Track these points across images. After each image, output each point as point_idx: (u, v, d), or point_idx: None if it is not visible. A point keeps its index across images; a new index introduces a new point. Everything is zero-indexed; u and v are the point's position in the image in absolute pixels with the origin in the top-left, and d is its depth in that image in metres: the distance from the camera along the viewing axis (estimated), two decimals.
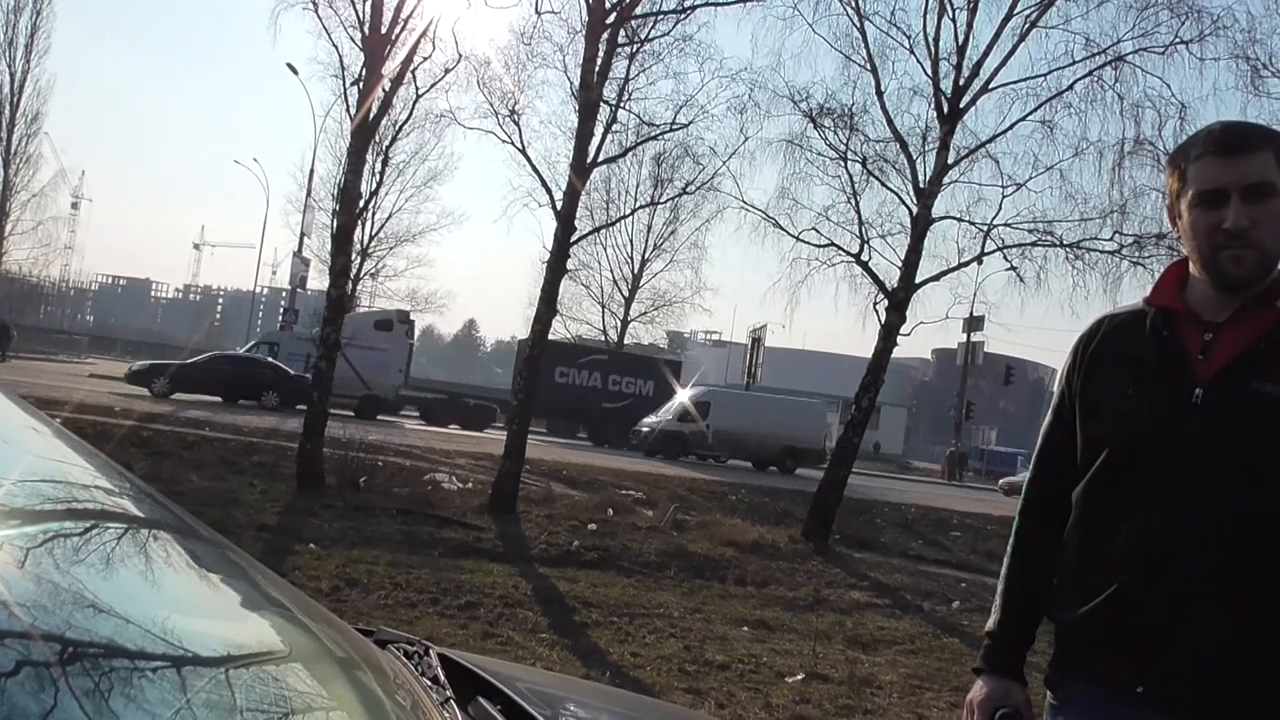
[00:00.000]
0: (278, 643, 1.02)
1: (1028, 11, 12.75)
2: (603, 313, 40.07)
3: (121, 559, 0.97)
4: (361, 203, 12.85)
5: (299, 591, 1.22)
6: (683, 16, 13.53)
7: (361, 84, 11.17)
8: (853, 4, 13.18)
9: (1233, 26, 13.09)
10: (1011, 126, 13.36)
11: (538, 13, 12.71)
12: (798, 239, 14.39)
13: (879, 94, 13.10)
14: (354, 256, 34.32)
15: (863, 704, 5.34)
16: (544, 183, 12.85)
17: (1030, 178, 13.59)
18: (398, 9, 11.00)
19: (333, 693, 0.94)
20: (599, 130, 12.34)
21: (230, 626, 1.03)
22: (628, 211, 31.24)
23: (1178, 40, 12.66)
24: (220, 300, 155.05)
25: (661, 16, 13.43)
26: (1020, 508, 1.81)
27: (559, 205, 11.97)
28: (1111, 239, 13.29)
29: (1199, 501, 1.51)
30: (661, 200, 30.59)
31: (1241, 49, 14.32)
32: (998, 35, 12.76)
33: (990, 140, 13.51)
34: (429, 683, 1.10)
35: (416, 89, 12.99)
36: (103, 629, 0.82)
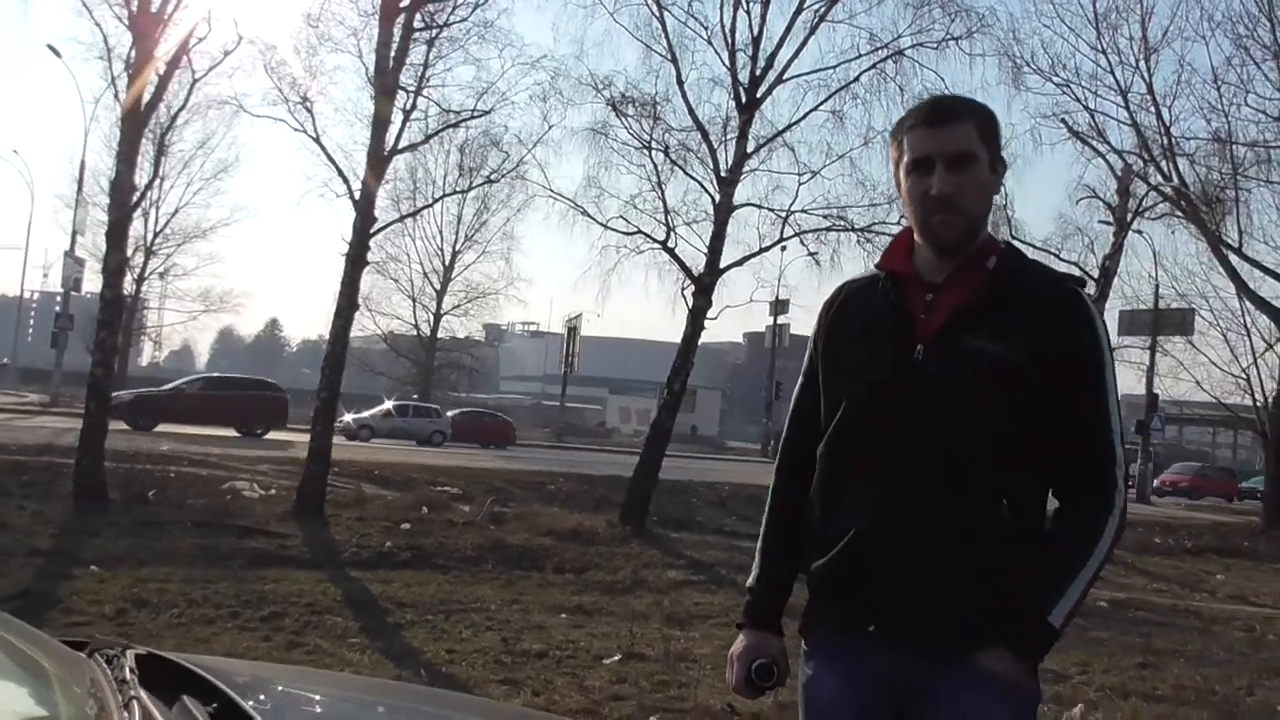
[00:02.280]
0: None
1: (816, 6, 13.34)
2: (414, 307, 39.13)
3: None
4: (137, 195, 11.93)
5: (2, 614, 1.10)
6: (481, 2, 13.33)
7: (131, 68, 10.36)
8: None
9: (996, 26, 14.23)
10: (805, 116, 13.95)
11: None
12: (606, 227, 14.52)
13: (680, 84, 13.37)
14: (136, 254, 32.34)
15: (678, 678, 5.43)
16: (340, 172, 12.40)
17: (824, 165, 14.25)
18: None
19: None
20: (398, 117, 11.99)
21: None
22: (433, 200, 30.52)
23: (949, 37, 13.64)
24: None
25: (460, 1, 13.17)
26: (775, 467, 1.90)
27: (357, 195, 11.56)
28: (898, 222, 14.09)
29: (918, 450, 1.63)
30: (468, 189, 30.08)
31: (1005, 47, 15.54)
32: (789, 28, 13.27)
33: (786, 129, 14.06)
34: (119, 685, 1.04)
35: (193, 73, 12.22)
36: None
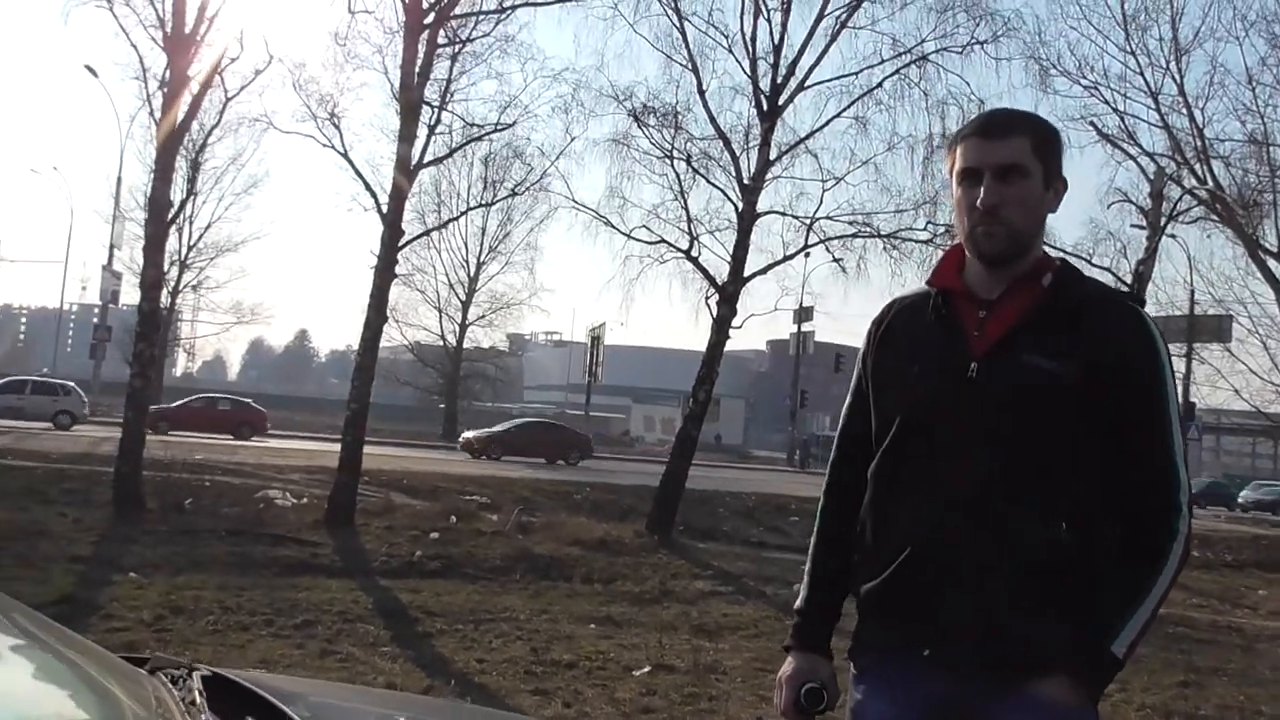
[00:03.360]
0: (29, 688, 0.96)
1: (838, 13, 13.34)
2: (440, 318, 39.37)
3: None
4: (173, 211, 12.15)
5: (62, 629, 1.15)
6: (503, 16, 13.46)
7: (166, 87, 10.56)
8: (672, 4, 13.45)
9: (1022, 29, 14.16)
10: (828, 123, 13.95)
11: (351, 12, 12.36)
12: (629, 237, 14.60)
13: (701, 93, 13.43)
14: (171, 268, 32.79)
15: (707, 690, 5.46)
16: (368, 186, 12.56)
17: (848, 172, 14.24)
18: (201, 8, 10.46)
19: None
20: (423, 132, 12.16)
21: None
22: (458, 213, 30.72)
23: (974, 41, 13.58)
24: (24, 319, 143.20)
25: (482, 17, 13.32)
26: (824, 487, 1.87)
27: (384, 209, 11.70)
28: (925, 228, 14.12)
29: (972, 470, 1.60)
30: (493, 201, 30.27)
31: (1031, 50, 15.47)
32: (811, 35, 13.29)
33: (809, 136, 14.06)
34: (187, 707, 1.07)
35: (226, 92, 12.44)
36: None
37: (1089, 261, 20.12)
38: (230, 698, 1.17)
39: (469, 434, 30.05)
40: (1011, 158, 1.64)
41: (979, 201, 1.64)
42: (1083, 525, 1.59)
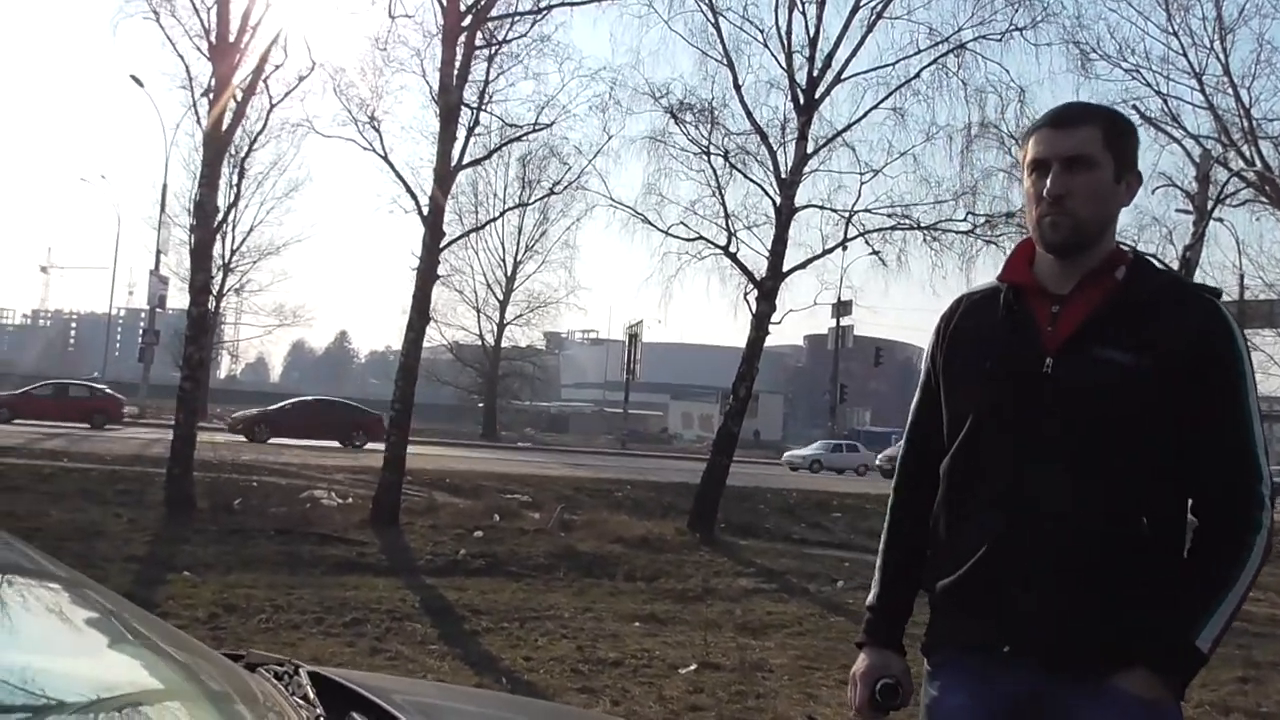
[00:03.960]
0: (144, 679, 1.00)
1: (874, 3, 13.19)
2: (478, 317, 39.69)
3: None
4: (219, 217, 12.36)
5: (164, 623, 1.19)
6: (539, 17, 13.49)
7: (211, 95, 10.75)
8: (706, 0, 13.41)
9: (1061, 13, 13.93)
10: (865, 115, 13.81)
11: (391, 16, 12.47)
12: (667, 234, 14.57)
13: (737, 88, 13.36)
14: (215, 272, 33.32)
15: (754, 689, 5.46)
16: (409, 189, 12.64)
17: (886, 164, 14.09)
18: (245, 17, 10.63)
19: None
20: (462, 133, 12.20)
21: (93, 667, 1.00)
22: (497, 214, 30.95)
23: (1013, 27, 13.37)
24: (74, 324, 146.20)
25: (518, 18, 13.36)
26: (894, 484, 1.88)
27: (425, 211, 11.80)
28: (965, 219, 13.94)
29: (1049, 465, 1.60)
30: (530, 201, 30.46)
31: (1071, 34, 15.23)
32: (846, 27, 13.16)
33: (846, 129, 13.91)
34: (300, 702, 1.10)
35: (270, 98, 12.59)
36: None
37: (1134, 249, 19.73)
38: (332, 694, 1.19)
39: (236, 414, 28.20)
40: (1079, 148, 1.63)
41: (1045, 191, 1.64)
42: (1163, 519, 1.59)
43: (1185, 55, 18.82)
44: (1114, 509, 1.57)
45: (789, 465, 35.98)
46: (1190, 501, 1.63)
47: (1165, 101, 19.29)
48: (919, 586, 1.80)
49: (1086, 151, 1.63)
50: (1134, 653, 1.54)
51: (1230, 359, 1.61)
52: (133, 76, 28.63)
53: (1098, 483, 1.57)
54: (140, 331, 36.01)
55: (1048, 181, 1.63)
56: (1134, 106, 19.14)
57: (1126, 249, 1.71)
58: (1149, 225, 21.24)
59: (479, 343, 40.33)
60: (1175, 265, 19.30)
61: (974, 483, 1.68)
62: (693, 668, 5.81)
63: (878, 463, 34.67)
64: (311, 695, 1.10)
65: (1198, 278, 20.60)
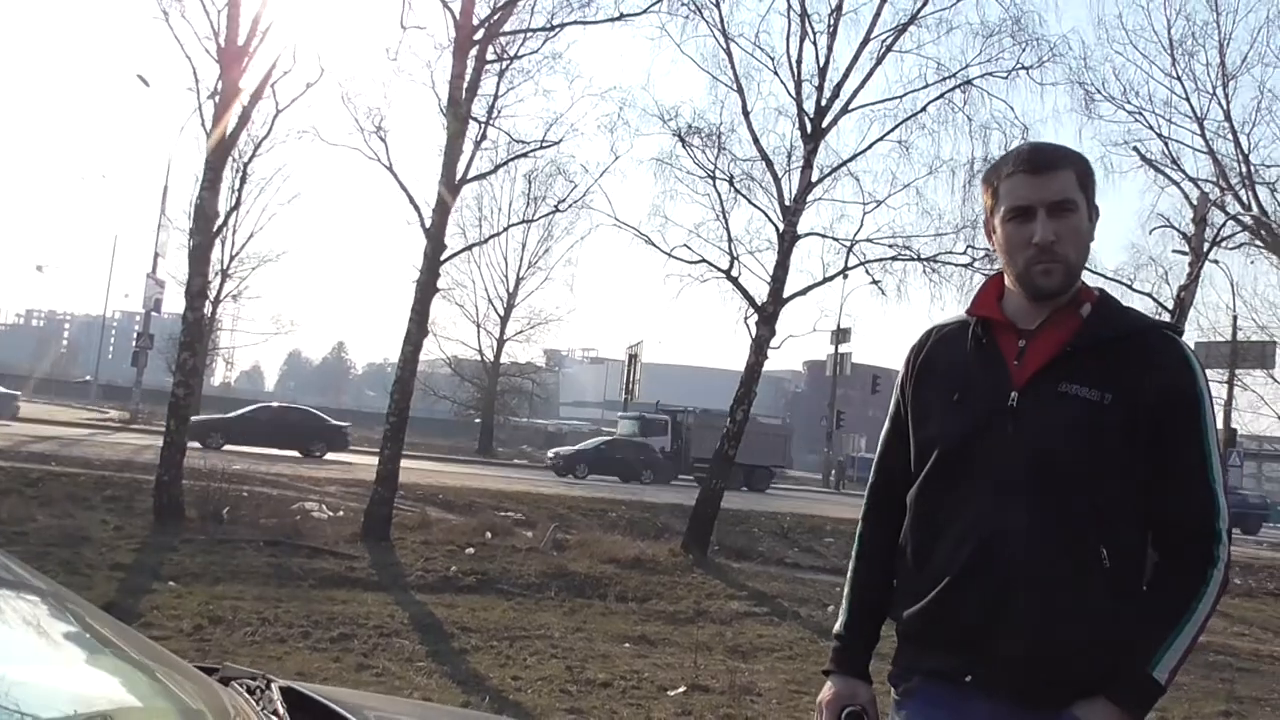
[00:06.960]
0: (115, 693, 0.96)
1: (884, 36, 13.32)
2: (478, 332, 39.60)
3: None
4: (220, 222, 12.33)
5: (138, 635, 1.15)
6: (551, 34, 13.55)
7: (217, 98, 10.74)
8: (719, 25, 13.47)
9: (1067, 54, 14.02)
10: (871, 146, 13.88)
11: (403, 27, 12.49)
12: (670, 255, 14.57)
13: (745, 114, 13.42)
14: (213, 277, 33.32)
15: (743, 712, 5.40)
16: (412, 200, 12.62)
17: (889, 195, 14.17)
18: (254, 21, 10.63)
19: None
20: (469, 147, 12.23)
21: (64, 680, 0.96)
22: (501, 229, 30.97)
23: (1019, 66, 13.48)
24: (67, 325, 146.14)
25: (531, 34, 13.41)
26: (863, 512, 1.90)
27: (428, 223, 11.77)
28: (964, 253, 13.99)
29: (1015, 499, 1.62)
30: (535, 218, 30.48)
31: (1076, 75, 15.35)
32: (856, 58, 13.27)
33: (851, 159, 14.00)
34: (271, 717, 1.06)
35: (277, 104, 12.61)
36: None
37: (1130, 287, 19.87)
38: (305, 711, 1.17)
39: (195, 418, 26.74)
40: (1063, 193, 1.66)
41: (1035, 239, 1.65)
42: (1123, 552, 1.60)
43: (1188, 99, 19.09)
44: (1075, 541, 1.58)
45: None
46: (1150, 535, 1.65)
47: (1166, 144, 19.55)
48: (886, 615, 1.81)
49: (1070, 196, 1.66)
50: (1093, 684, 1.56)
51: (1193, 396, 1.63)
52: (139, 76, 28.79)
53: (1060, 515, 1.59)
54: (134, 335, 35.86)
55: (1036, 228, 1.64)
56: (1135, 148, 19.34)
57: (1094, 287, 1.75)
58: (1145, 265, 21.42)
59: (478, 358, 40.25)
60: (1171, 305, 19.42)
61: (939, 513, 1.69)
62: (682, 690, 5.75)
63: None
64: (282, 711, 1.07)
65: (1192, 318, 20.78)
